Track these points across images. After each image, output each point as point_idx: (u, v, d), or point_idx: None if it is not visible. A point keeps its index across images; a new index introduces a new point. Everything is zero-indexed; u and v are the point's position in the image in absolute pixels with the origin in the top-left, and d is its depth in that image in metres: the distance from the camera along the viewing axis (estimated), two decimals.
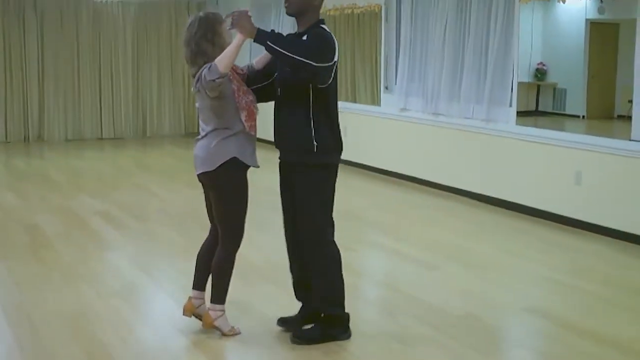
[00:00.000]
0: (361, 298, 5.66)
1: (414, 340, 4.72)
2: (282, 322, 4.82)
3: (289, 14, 4.54)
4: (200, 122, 4.65)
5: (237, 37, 4.31)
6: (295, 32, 4.59)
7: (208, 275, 4.75)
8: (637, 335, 4.87)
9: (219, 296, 4.66)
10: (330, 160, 4.57)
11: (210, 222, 4.80)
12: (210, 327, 4.66)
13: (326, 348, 4.54)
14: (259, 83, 4.67)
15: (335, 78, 4.48)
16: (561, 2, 9.01)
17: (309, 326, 4.69)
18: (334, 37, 4.46)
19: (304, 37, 4.45)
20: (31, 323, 4.94)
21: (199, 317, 4.77)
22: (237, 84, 4.53)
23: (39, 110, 13.80)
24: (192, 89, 4.61)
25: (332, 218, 4.64)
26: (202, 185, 4.72)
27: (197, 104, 4.64)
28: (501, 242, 7.19)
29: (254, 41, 4.31)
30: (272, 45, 4.28)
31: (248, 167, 4.59)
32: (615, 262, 6.56)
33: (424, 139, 9.67)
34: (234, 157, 4.50)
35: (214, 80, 4.29)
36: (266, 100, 4.74)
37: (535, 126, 8.71)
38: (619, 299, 5.62)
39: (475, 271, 6.23)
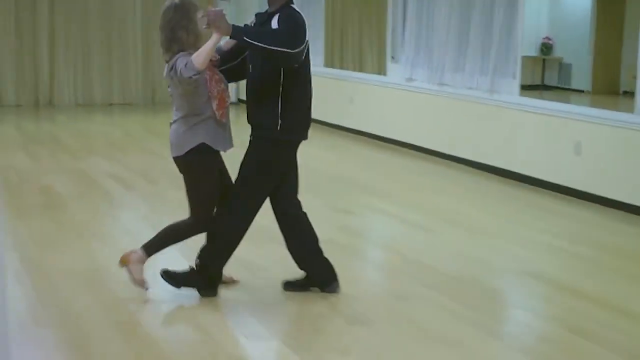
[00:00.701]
0: (360, 258, 5.92)
1: (411, 298, 4.94)
2: (288, 284, 5.01)
3: None
4: (173, 106, 4.76)
5: (213, 36, 4.42)
6: (266, 11, 4.73)
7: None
8: (627, 296, 5.09)
9: (151, 249, 4.82)
10: (291, 137, 4.74)
11: None
12: (123, 265, 4.80)
13: (328, 303, 4.77)
14: (229, 63, 4.81)
15: (307, 55, 4.64)
16: None
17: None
18: (303, 16, 4.62)
19: (275, 19, 4.59)
20: (49, 279, 5.17)
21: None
22: (210, 72, 4.61)
23: (50, 75, 13.94)
24: (164, 74, 4.72)
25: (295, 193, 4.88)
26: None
27: (169, 89, 4.76)
28: (500, 208, 7.39)
29: (230, 38, 4.49)
30: (248, 39, 4.42)
31: (218, 151, 4.74)
32: (610, 229, 6.75)
33: (428, 108, 9.84)
34: (203, 143, 4.63)
35: (190, 77, 4.39)
36: (236, 80, 4.98)
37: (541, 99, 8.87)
38: (613, 263, 5.84)
39: (473, 235, 6.44)
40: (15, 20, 13.56)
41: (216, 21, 4.41)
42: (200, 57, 4.35)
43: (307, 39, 4.55)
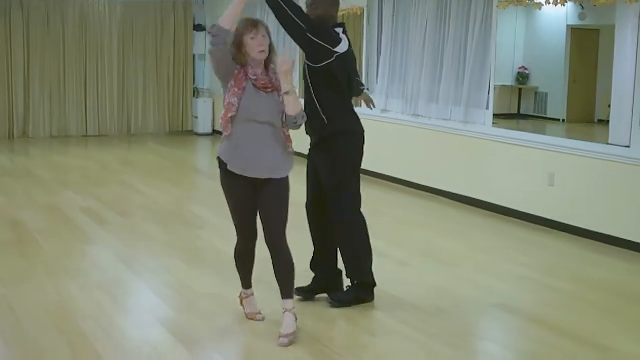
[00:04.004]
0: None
1: (382, 333, 4.90)
2: (299, 290, 5.29)
3: None
4: None
5: None
6: None
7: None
8: (600, 330, 5.05)
9: (243, 281, 5.05)
10: (346, 127, 5.30)
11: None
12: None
13: (308, 343, 4.70)
14: None
15: (345, 71, 5.15)
16: (538, 9, 9.16)
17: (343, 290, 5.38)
18: (340, 35, 5.12)
19: None
20: (14, 315, 5.06)
21: None
22: (235, 84, 4.58)
23: (24, 106, 13.89)
24: None
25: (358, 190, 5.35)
26: None
27: None
28: (474, 240, 7.36)
29: None
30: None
31: (240, 176, 4.66)
32: (584, 260, 6.72)
33: (403, 139, 9.84)
34: (218, 157, 4.71)
35: (210, 34, 4.54)
36: None
37: (516, 129, 8.88)
38: (586, 295, 5.79)
39: (447, 268, 6.40)
40: None
41: None
42: (224, 16, 4.56)
43: (331, 48, 5.01)
